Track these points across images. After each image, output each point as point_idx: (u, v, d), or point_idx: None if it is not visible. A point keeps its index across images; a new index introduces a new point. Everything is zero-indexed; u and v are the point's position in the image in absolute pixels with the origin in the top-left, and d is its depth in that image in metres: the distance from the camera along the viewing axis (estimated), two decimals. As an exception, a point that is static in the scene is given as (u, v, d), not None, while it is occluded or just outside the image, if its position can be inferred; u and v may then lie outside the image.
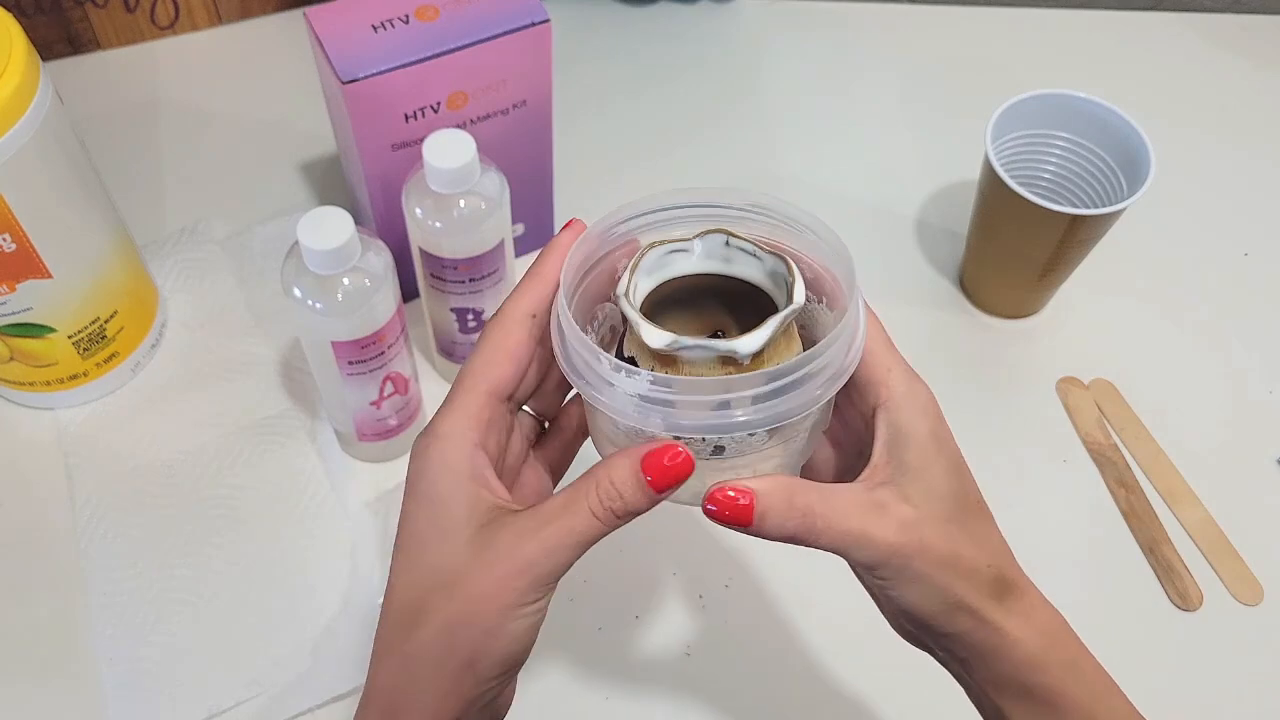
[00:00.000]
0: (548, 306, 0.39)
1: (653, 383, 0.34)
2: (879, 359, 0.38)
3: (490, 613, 0.35)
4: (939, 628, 0.38)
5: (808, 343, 0.39)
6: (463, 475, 0.37)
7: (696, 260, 0.39)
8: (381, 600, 0.38)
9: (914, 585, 0.37)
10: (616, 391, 0.35)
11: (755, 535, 0.37)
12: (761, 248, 0.38)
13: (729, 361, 0.35)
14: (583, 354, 0.36)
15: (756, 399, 0.34)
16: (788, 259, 0.37)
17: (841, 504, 0.37)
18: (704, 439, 0.36)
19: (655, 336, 0.35)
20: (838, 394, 0.37)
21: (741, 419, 0.34)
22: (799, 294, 0.36)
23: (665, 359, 0.36)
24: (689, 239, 0.39)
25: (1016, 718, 0.39)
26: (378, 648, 0.37)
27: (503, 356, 0.38)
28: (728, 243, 0.39)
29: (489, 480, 0.37)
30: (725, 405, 0.34)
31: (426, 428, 0.38)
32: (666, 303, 0.39)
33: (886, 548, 0.36)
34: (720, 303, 0.40)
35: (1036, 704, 0.39)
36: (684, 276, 0.39)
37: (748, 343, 0.35)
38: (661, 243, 0.38)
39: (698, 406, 0.34)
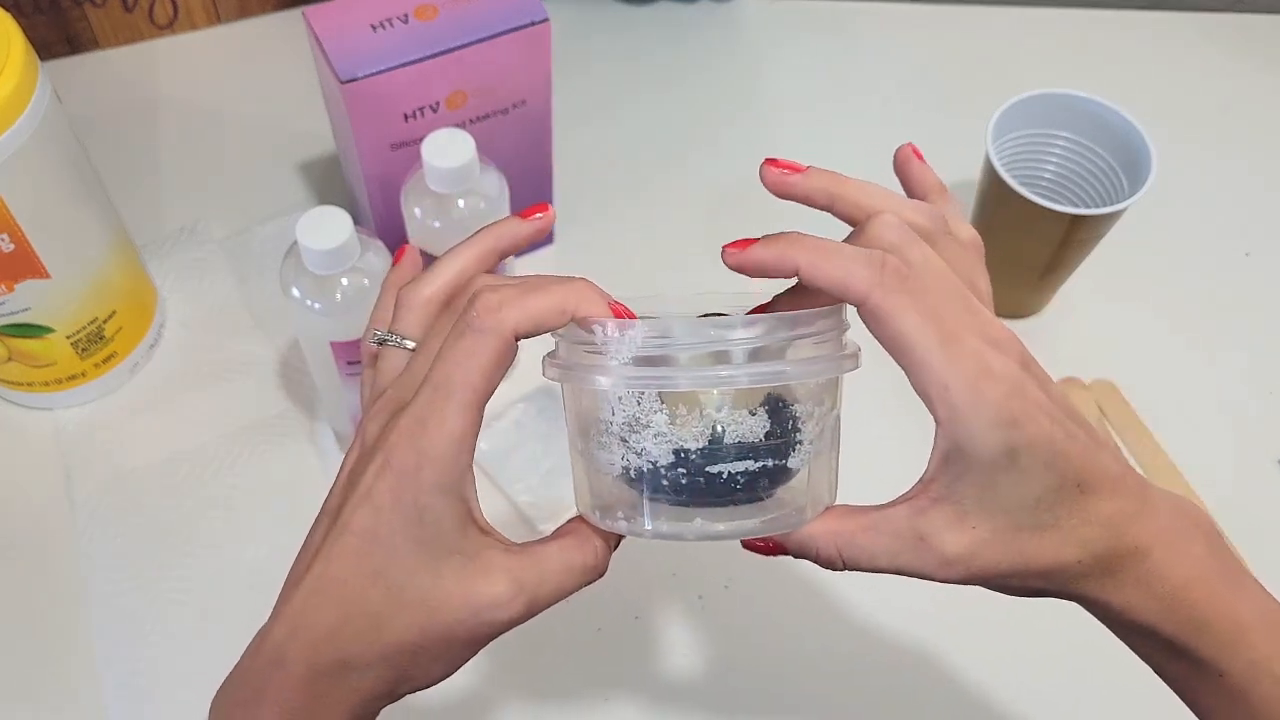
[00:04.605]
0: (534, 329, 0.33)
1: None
2: (933, 375, 0.33)
3: (452, 644, 0.34)
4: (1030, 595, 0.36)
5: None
6: (461, 507, 0.34)
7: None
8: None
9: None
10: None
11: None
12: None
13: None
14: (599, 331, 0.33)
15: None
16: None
17: (883, 540, 0.35)
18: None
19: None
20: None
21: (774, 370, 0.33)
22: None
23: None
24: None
25: (1144, 653, 0.37)
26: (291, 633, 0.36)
27: (497, 366, 0.33)
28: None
29: (479, 516, 0.35)
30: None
31: (403, 437, 0.33)
32: None
33: (934, 577, 0.35)
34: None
35: (1160, 649, 0.36)
36: None
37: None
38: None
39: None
